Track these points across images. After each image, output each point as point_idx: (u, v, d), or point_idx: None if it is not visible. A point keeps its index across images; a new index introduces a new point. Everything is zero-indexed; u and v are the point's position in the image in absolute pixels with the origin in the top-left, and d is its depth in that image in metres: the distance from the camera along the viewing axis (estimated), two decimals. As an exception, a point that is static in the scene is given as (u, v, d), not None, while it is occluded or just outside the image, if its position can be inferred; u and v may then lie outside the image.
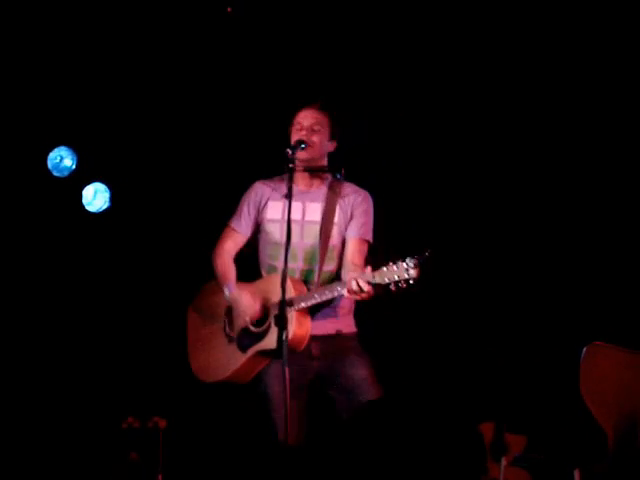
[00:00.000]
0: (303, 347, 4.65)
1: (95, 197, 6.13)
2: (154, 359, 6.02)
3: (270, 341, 4.61)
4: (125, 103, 6.09)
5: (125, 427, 5.81)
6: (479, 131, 5.91)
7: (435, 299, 5.82)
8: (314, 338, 4.67)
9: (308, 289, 4.69)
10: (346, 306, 4.76)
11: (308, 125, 4.75)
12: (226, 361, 4.81)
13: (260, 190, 4.87)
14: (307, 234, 4.77)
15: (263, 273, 4.86)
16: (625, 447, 4.41)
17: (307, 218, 4.78)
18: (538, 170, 5.85)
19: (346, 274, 4.68)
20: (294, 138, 4.74)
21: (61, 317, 6.09)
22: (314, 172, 4.80)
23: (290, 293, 4.54)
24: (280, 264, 4.68)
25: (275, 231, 4.80)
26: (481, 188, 5.94)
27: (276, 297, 4.56)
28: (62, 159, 6.10)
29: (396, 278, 4.33)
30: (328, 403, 4.78)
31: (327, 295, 4.58)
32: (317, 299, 4.59)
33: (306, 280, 4.75)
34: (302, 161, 4.70)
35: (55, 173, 6.10)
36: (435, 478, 5.44)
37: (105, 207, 6.14)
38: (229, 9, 5.97)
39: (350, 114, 5.21)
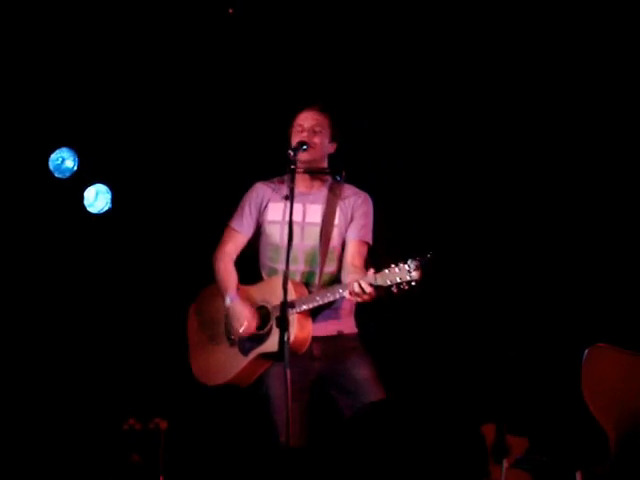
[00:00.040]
0: (305, 349, 4.65)
1: (97, 198, 6.13)
2: (155, 361, 6.02)
3: (272, 344, 4.61)
4: (127, 105, 6.09)
5: (126, 428, 5.81)
6: (479, 132, 5.90)
7: (437, 301, 5.81)
8: (315, 339, 4.68)
9: (309, 291, 4.70)
10: (347, 307, 4.76)
11: (309, 127, 4.75)
12: (228, 364, 4.81)
13: (261, 191, 4.87)
14: (307, 236, 4.77)
15: (264, 275, 4.86)
16: (627, 449, 4.40)
17: (307, 220, 4.78)
18: (539, 171, 5.84)
19: (346, 276, 4.68)
20: (295, 140, 4.74)
21: (63, 318, 6.09)
22: (315, 174, 4.80)
23: (291, 296, 4.54)
24: (280, 266, 4.70)
25: (275, 233, 4.80)
26: (482, 189, 5.94)
27: (277, 300, 4.56)
28: (64, 160, 6.09)
29: (398, 280, 4.33)
30: (330, 404, 4.78)
31: (328, 297, 4.58)
32: (318, 301, 4.60)
33: (307, 282, 4.75)
34: (303, 163, 4.71)
35: (57, 174, 6.09)
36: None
37: (106, 208, 6.14)
38: (230, 10, 5.96)
39: (350, 115, 5.21)
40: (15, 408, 5.93)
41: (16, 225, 6.02)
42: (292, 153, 4.61)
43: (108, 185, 6.13)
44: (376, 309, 4.67)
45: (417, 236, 5.82)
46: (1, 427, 5.87)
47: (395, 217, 5.74)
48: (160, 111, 6.11)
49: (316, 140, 4.75)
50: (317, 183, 4.83)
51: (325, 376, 4.74)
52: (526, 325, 5.80)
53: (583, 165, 5.75)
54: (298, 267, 4.75)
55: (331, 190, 4.81)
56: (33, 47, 5.88)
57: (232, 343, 4.80)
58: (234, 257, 4.87)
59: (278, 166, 4.74)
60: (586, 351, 4.53)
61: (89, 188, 6.13)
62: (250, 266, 4.92)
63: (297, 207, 4.65)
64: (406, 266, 4.31)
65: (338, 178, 4.81)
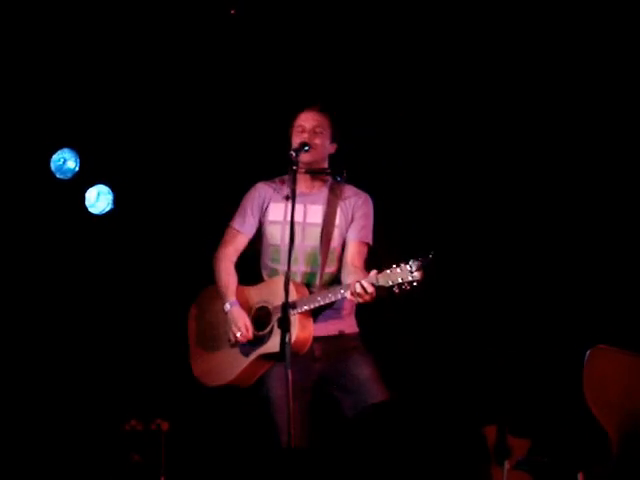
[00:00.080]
0: (306, 350, 4.65)
1: (98, 199, 6.13)
2: (157, 361, 6.02)
3: (273, 344, 4.62)
4: (128, 105, 6.09)
5: (128, 429, 5.81)
6: (480, 132, 5.90)
7: (438, 301, 5.81)
8: (317, 339, 4.67)
9: (310, 292, 4.69)
10: (348, 307, 4.76)
11: (310, 128, 4.75)
12: (228, 365, 4.81)
13: (263, 191, 4.87)
14: (308, 236, 4.77)
15: (264, 276, 4.86)
16: (628, 450, 4.40)
17: (308, 220, 4.78)
18: (540, 172, 5.84)
19: (346, 276, 4.68)
20: (296, 140, 4.74)
21: (64, 319, 6.09)
22: (316, 174, 4.80)
23: (292, 296, 4.54)
24: (281, 267, 4.71)
25: (276, 233, 4.80)
26: (482, 190, 5.93)
27: (278, 300, 4.56)
28: (65, 161, 6.10)
29: (400, 280, 4.33)
30: (332, 404, 4.78)
31: (330, 298, 4.58)
32: (320, 302, 4.60)
33: (308, 283, 4.75)
34: (305, 164, 4.71)
35: (58, 175, 6.09)
36: (438, 481, 5.44)
37: (108, 209, 6.14)
38: (232, 11, 5.96)
39: (350, 115, 5.21)
40: (17, 409, 5.93)
41: (18, 226, 6.02)
42: (294, 154, 4.61)
43: (110, 186, 6.13)
44: (377, 309, 4.66)
45: (418, 236, 5.82)
46: (3, 428, 5.87)
47: (396, 217, 5.74)
48: (161, 112, 6.11)
49: (317, 141, 4.75)
50: (318, 183, 4.83)
51: (327, 376, 4.74)
52: (528, 326, 5.79)
53: (584, 166, 5.75)
54: (299, 268, 4.75)
55: (332, 190, 4.81)
56: (34, 48, 5.88)
57: (233, 344, 4.80)
58: (235, 258, 4.87)
59: (279, 166, 4.74)
60: (588, 352, 4.53)
61: (91, 189, 6.13)
62: (250, 266, 4.91)
63: (298, 207, 4.64)
64: (408, 266, 4.31)
65: (339, 178, 4.81)
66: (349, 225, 4.79)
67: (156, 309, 6.04)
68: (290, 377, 4.29)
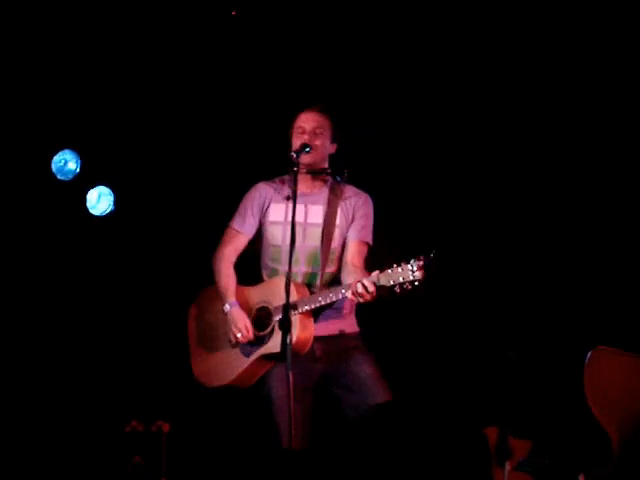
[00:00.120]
0: (307, 350, 4.65)
1: (99, 200, 6.13)
2: (157, 363, 6.02)
3: (274, 345, 4.62)
4: (129, 107, 6.09)
5: (129, 431, 5.81)
6: (480, 131, 5.90)
7: (439, 302, 5.81)
8: (317, 339, 4.67)
9: (311, 292, 4.69)
10: (348, 307, 4.77)
11: (310, 129, 4.75)
12: (229, 366, 4.81)
13: (263, 191, 4.87)
14: (309, 237, 4.77)
15: (265, 276, 4.86)
16: (630, 451, 4.40)
17: (309, 220, 4.78)
18: (540, 175, 5.84)
19: (346, 276, 4.69)
20: (296, 142, 4.74)
21: (65, 320, 6.09)
22: (317, 174, 4.80)
23: (293, 297, 4.53)
24: (282, 267, 4.71)
25: (277, 234, 4.80)
26: (483, 191, 5.93)
27: (278, 300, 4.56)
28: (66, 162, 6.10)
29: (401, 280, 4.33)
30: (333, 405, 4.77)
31: (331, 298, 4.58)
32: (321, 302, 4.60)
33: (309, 283, 4.75)
34: (305, 165, 4.71)
35: (59, 176, 6.09)
36: (439, 482, 5.44)
37: (109, 210, 6.14)
38: (234, 12, 5.97)
39: (350, 116, 5.21)
40: (18, 410, 5.93)
41: (19, 227, 6.02)
42: (295, 156, 4.61)
43: (110, 187, 6.13)
44: (377, 309, 4.67)
45: (419, 236, 5.82)
46: (4, 429, 5.87)
47: (397, 217, 5.74)
48: (162, 113, 6.11)
49: (318, 142, 4.75)
50: (318, 183, 4.83)
51: (328, 375, 4.74)
52: (529, 327, 5.79)
53: (584, 168, 5.75)
54: (300, 268, 4.75)
55: (332, 191, 4.82)
56: (35, 50, 5.88)
57: (233, 344, 4.80)
58: (234, 258, 4.87)
59: (279, 166, 4.75)
60: (589, 354, 4.53)
61: (91, 190, 6.13)
62: (250, 266, 4.91)
63: (299, 208, 4.64)
64: (409, 266, 4.32)
65: (338, 179, 4.81)
66: (350, 225, 4.80)
67: (157, 310, 6.04)
68: (291, 379, 4.29)
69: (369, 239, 4.80)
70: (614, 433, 4.43)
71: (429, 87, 5.90)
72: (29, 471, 5.80)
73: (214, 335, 4.90)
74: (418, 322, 5.91)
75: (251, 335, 4.70)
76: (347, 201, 4.82)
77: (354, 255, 4.74)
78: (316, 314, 4.68)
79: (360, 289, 4.40)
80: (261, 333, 4.72)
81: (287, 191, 4.77)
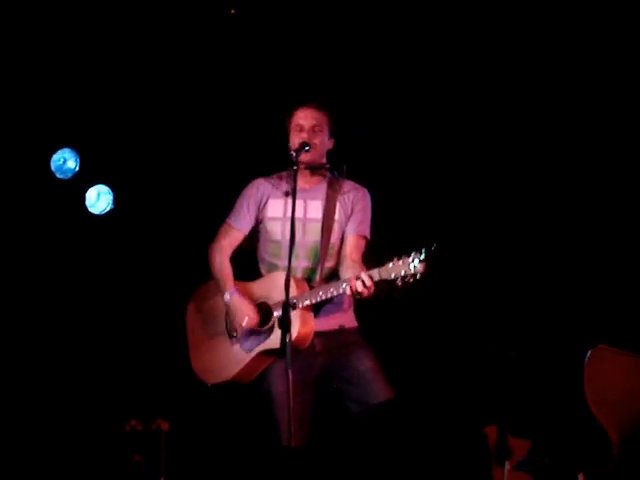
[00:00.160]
0: (307, 344, 4.65)
1: (98, 199, 6.13)
2: (157, 361, 6.02)
3: (274, 340, 4.62)
4: (128, 105, 6.09)
5: (128, 430, 5.81)
6: (480, 127, 5.90)
7: (438, 301, 5.81)
8: (317, 334, 4.68)
9: (310, 287, 4.70)
10: (347, 301, 4.78)
11: (309, 127, 4.74)
12: (230, 361, 4.81)
13: (261, 187, 4.87)
14: (309, 232, 4.78)
15: (262, 271, 4.86)
16: (629, 450, 4.40)
17: (309, 216, 4.79)
18: (539, 175, 5.84)
19: (344, 270, 4.69)
20: (295, 140, 4.73)
21: (64, 319, 6.09)
22: (316, 170, 4.80)
23: (293, 292, 4.53)
24: (281, 262, 4.73)
25: (276, 229, 4.80)
26: (484, 189, 5.93)
27: (278, 295, 4.56)
28: (65, 161, 6.09)
29: (402, 273, 4.34)
30: (333, 402, 4.77)
31: (332, 292, 4.58)
32: (322, 296, 4.60)
33: (309, 278, 4.75)
34: (305, 163, 4.71)
35: (58, 175, 6.09)
36: (438, 481, 5.44)
37: (108, 209, 6.14)
38: (233, 11, 5.96)
39: (350, 114, 5.21)
40: (16, 409, 5.92)
41: (17, 226, 6.01)
42: (294, 154, 4.61)
43: (110, 186, 6.13)
44: (376, 307, 4.67)
45: (419, 232, 5.81)
46: (3, 428, 5.87)
47: (397, 211, 5.75)
48: (161, 112, 6.11)
49: (317, 141, 4.75)
50: (317, 179, 4.84)
51: (329, 369, 4.74)
52: (529, 326, 5.79)
53: (584, 167, 5.75)
54: (299, 263, 4.76)
55: (330, 186, 4.82)
56: (35, 48, 5.88)
57: (233, 341, 4.79)
58: (230, 253, 4.88)
59: (276, 162, 4.75)
60: (588, 353, 4.53)
61: (91, 189, 6.12)
62: (245, 262, 4.91)
63: (298, 203, 4.64)
64: (410, 259, 4.32)
65: (336, 173, 4.82)
66: (348, 219, 4.80)
67: (156, 309, 6.03)
68: (291, 377, 4.29)
69: (367, 233, 4.81)
70: (613, 432, 4.43)
71: (428, 85, 5.89)
72: (29, 470, 5.80)
73: (213, 331, 4.90)
74: (417, 321, 5.91)
75: (256, 321, 4.69)
76: (346, 195, 4.82)
77: (352, 249, 4.75)
78: (316, 309, 4.69)
79: (359, 287, 4.41)
80: (261, 329, 4.72)
81: (285, 187, 4.79)
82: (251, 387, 4.84)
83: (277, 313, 4.65)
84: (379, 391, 4.67)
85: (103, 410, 5.98)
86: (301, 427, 4.59)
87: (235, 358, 4.79)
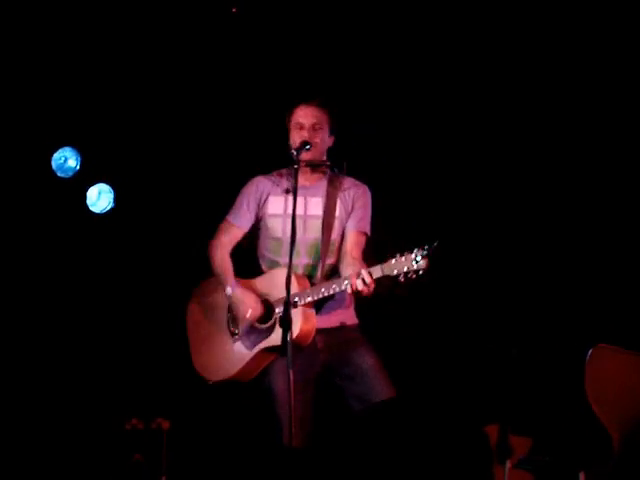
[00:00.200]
0: (309, 341, 4.65)
1: (99, 198, 6.13)
2: (157, 360, 6.01)
3: (276, 337, 4.60)
4: (129, 104, 6.09)
5: (129, 428, 5.81)
6: (481, 123, 5.89)
7: (439, 299, 5.81)
8: (319, 331, 4.68)
9: (312, 284, 4.69)
10: (349, 299, 4.77)
11: (309, 125, 4.74)
12: (231, 359, 4.80)
13: (261, 185, 4.87)
14: (310, 229, 4.78)
15: (263, 267, 4.86)
16: (630, 449, 4.39)
17: (309, 213, 4.79)
18: (539, 175, 5.84)
19: (344, 267, 4.69)
20: (295, 138, 4.73)
21: (64, 318, 6.09)
22: (316, 167, 4.80)
23: (294, 289, 4.53)
24: (282, 259, 4.73)
25: (277, 226, 4.80)
26: (484, 188, 5.93)
27: (279, 292, 4.55)
28: (66, 160, 6.09)
29: (405, 269, 4.34)
30: (334, 401, 4.77)
31: (334, 289, 4.58)
32: (324, 293, 4.60)
33: (310, 275, 4.75)
34: (306, 161, 4.71)
35: (59, 174, 6.09)
36: (439, 480, 5.44)
37: (109, 208, 6.14)
38: (234, 9, 5.96)
39: (351, 112, 5.21)
40: (17, 408, 5.92)
41: (19, 224, 6.01)
42: (295, 153, 4.61)
43: (111, 184, 6.13)
44: (377, 305, 4.67)
45: (420, 228, 5.82)
46: (4, 427, 5.87)
47: (399, 208, 5.75)
48: (161, 111, 6.11)
49: (317, 139, 4.75)
50: (317, 176, 4.84)
51: (330, 366, 4.74)
52: (530, 325, 5.78)
53: (584, 167, 5.75)
54: (300, 260, 4.76)
55: (331, 182, 4.82)
56: (35, 46, 5.88)
57: (235, 337, 4.79)
58: (230, 249, 4.88)
59: (277, 159, 4.75)
60: (590, 351, 4.52)
61: (92, 187, 6.12)
62: (245, 260, 4.91)
63: (298, 200, 4.62)
64: (412, 255, 4.32)
65: (336, 170, 4.82)
66: (349, 216, 4.80)
67: (156, 308, 6.03)
68: (291, 376, 4.28)
69: (367, 229, 4.81)
70: (614, 431, 4.43)
71: (428, 84, 5.89)
72: (30, 469, 5.80)
73: (214, 329, 4.89)
74: (418, 318, 5.91)
75: (260, 310, 4.69)
76: (346, 192, 4.82)
77: (353, 246, 4.75)
78: (318, 306, 4.68)
79: (360, 285, 4.41)
80: (263, 326, 4.72)
81: (285, 184, 4.79)
82: (251, 386, 4.84)
83: (279, 310, 4.64)
84: (381, 388, 4.67)
85: (104, 409, 5.98)
86: (302, 425, 4.58)
87: (237, 356, 4.78)
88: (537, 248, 5.84)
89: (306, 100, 4.79)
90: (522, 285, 5.83)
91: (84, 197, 6.11)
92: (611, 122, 5.67)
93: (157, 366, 6.02)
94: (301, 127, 4.74)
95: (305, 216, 4.78)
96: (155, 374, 6.02)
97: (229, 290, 4.76)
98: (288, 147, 4.73)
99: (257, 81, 5.99)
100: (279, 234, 4.80)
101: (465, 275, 5.86)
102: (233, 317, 4.81)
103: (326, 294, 4.60)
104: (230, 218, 4.88)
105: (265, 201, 4.84)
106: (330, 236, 4.77)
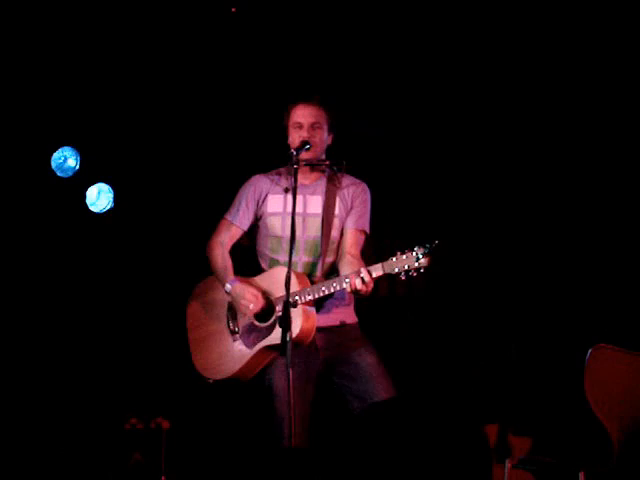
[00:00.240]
0: (310, 340, 4.64)
1: (99, 197, 6.13)
2: (157, 360, 6.02)
3: (277, 336, 4.59)
4: (128, 104, 6.09)
5: (128, 428, 5.81)
6: (483, 122, 5.90)
7: (439, 298, 5.81)
8: (319, 330, 4.67)
9: (312, 282, 4.69)
10: (348, 297, 4.77)
11: (308, 124, 4.74)
12: (232, 357, 4.80)
13: (260, 183, 4.87)
14: (309, 227, 4.78)
15: (263, 266, 4.86)
16: (630, 449, 4.39)
17: (309, 211, 4.79)
18: (542, 173, 5.84)
19: (343, 266, 4.69)
20: (295, 138, 4.73)
21: (64, 317, 6.09)
22: (316, 165, 4.80)
23: (294, 287, 4.53)
24: (282, 257, 4.73)
25: (277, 224, 4.80)
26: (484, 188, 5.94)
27: (279, 291, 4.54)
28: (66, 159, 6.09)
29: (406, 267, 4.34)
30: (333, 400, 4.77)
31: (335, 287, 4.58)
32: (325, 291, 4.59)
33: (310, 273, 4.75)
34: (305, 160, 4.71)
35: (59, 173, 6.09)
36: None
37: (109, 207, 6.13)
38: (234, 9, 5.96)
39: (350, 109, 5.21)
40: (17, 408, 5.92)
41: (18, 224, 6.01)
42: (295, 153, 4.61)
43: (110, 184, 6.13)
44: (376, 305, 4.67)
45: (421, 227, 5.82)
46: (3, 427, 5.87)
47: (399, 207, 5.75)
48: (161, 110, 6.11)
49: (316, 139, 4.74)
50: (316, 174, 4.84)
51: (331, 365, 4.73)
52: (530, 325, 5.79)
53: (584, 168, 5.75)
54: (300, 258, 4.75)
55: (330, 180, 4.82)
56: (35, 46, 5.87)
57: (235, 336, 4.79)
58: (229, 247, 4.88)
59: (276, 158, 4.75)
60: (589, 351, 4.52)
61: (91, 187, 6.12)
62: (245, 259, 4.91)
63: (298, 199, 4.63)
64: (413, 253, 4.33)
65: (334, 168, 4.82)
66: (348, 214, 4.80)
67: (156, 307, 6.03)
68: (291, 376, 4.28)
69: (366, 227, 4.81)
70: (614, 431, 4.43)
71: (428, 82, 5.89)
72: (29, 469, 5.80)
73: (214, 327, 4.89)
74: (418, 318, 5.91)
75: (261, 303, 4.68)
76: (345, 190, 4.82)
77: (351, 244, 4.75)
78: (318, 304, 4.68)
79: (358, 284, 4.41)
80: (264, 324, 4.71)
81: (284, 183, 4.79)
82: (252, 385, 4.83)
83: (279, 308, 4.63)
84: (381, 387, 4.67)
85: (103, 408, 5.98)
86: (302, 424, 4.59)
87: (237, 354, 4.78)
88: (537, 248, 5.84)
89: (304, 99, 4.79)
90: (522, 285, 5.83)
91: (83, 197, 6.11)
92: (611, 122, 5.68)
93: (157, 366, 6.02)
94: (300, 126, 4.74)
95: (304, 214, 4.78)
96: (155, 374, 6.02)
97: (228, 287, 4.75)
98: (287, 146, 4.73)
99: (256, 80, 6.00)
100: (279, 232, 4.80)
101: (465, 274, 5.86)
102: (233, 316, 4.81)
103: (326, 292, 4.60)
104: (229, 217, 4.88)
105: (264, 200, 4.84)
106: (330, 234, 4.77)
